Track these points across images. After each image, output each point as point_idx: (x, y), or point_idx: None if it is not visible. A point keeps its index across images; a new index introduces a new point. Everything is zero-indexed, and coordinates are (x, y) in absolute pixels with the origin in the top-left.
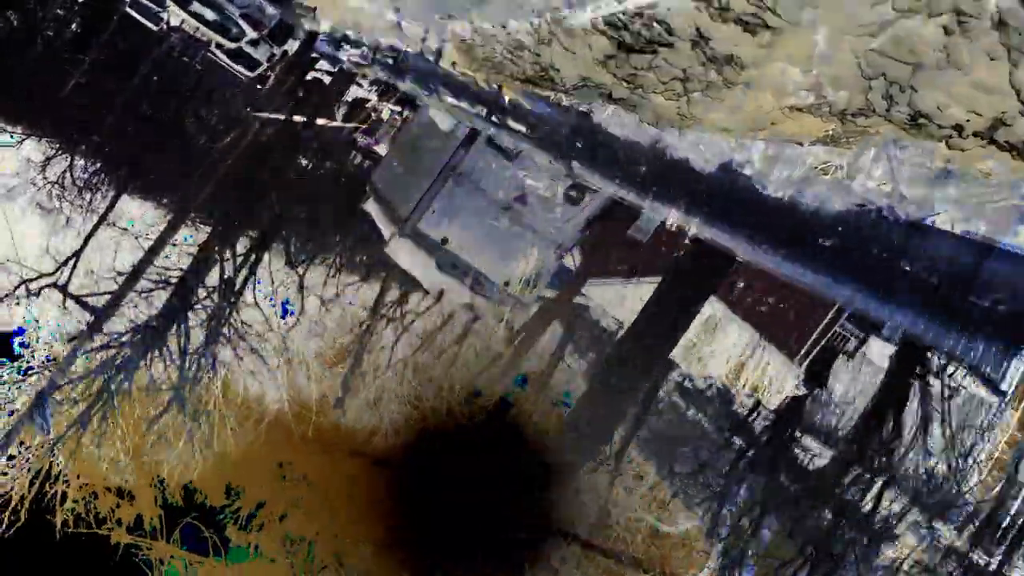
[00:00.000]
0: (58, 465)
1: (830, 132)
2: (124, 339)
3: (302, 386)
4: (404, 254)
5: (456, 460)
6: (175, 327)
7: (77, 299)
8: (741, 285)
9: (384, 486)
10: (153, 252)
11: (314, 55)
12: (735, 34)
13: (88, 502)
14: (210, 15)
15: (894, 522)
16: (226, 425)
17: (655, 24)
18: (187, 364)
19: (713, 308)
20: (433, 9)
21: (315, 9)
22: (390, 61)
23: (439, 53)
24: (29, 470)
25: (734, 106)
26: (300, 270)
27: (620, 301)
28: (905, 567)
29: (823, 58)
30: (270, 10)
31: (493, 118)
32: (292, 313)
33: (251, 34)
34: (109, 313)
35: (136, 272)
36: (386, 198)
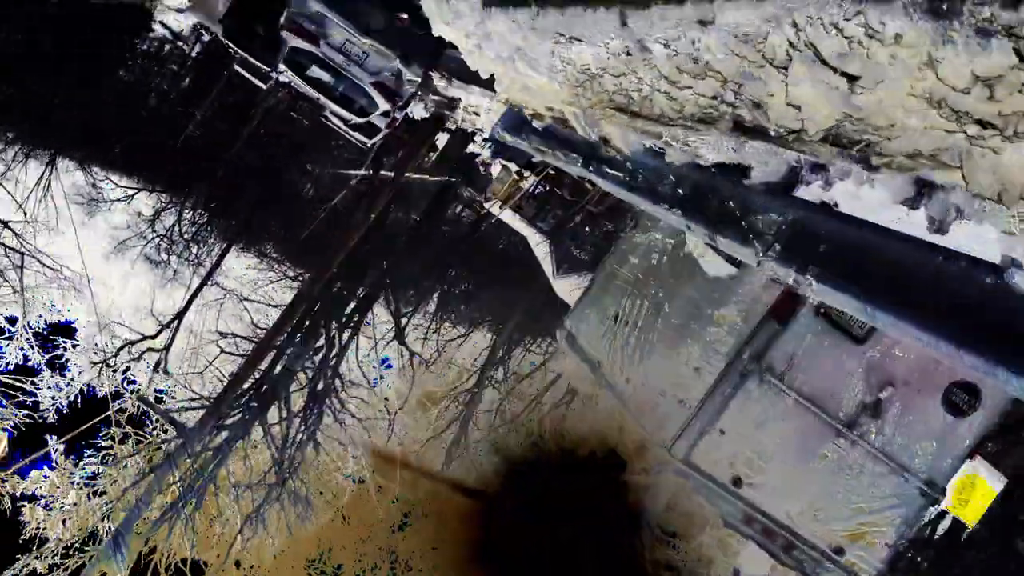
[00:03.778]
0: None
1: None
2: (230, 420)
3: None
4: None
5: None
6: (277, 402)
7: (155, 411)
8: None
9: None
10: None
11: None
12: None
13: None
14: (332, 83)
15: None
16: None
17: None
18: (289, 439)
19: None
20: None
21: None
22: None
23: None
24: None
25: None
26: (402, 323)
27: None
28: None
29: None
30: (409, 75)
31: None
32: (387, 371)
33: (383, 106)
34: (223, 396)
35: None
36: (602, 373)
